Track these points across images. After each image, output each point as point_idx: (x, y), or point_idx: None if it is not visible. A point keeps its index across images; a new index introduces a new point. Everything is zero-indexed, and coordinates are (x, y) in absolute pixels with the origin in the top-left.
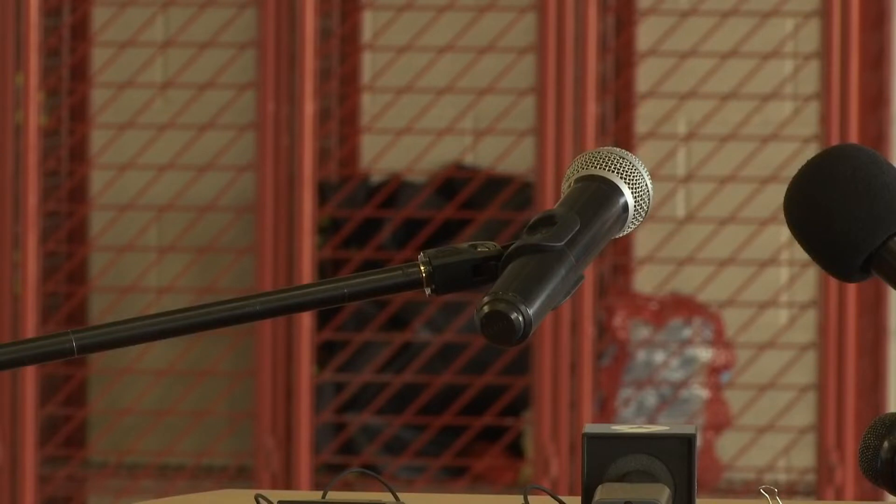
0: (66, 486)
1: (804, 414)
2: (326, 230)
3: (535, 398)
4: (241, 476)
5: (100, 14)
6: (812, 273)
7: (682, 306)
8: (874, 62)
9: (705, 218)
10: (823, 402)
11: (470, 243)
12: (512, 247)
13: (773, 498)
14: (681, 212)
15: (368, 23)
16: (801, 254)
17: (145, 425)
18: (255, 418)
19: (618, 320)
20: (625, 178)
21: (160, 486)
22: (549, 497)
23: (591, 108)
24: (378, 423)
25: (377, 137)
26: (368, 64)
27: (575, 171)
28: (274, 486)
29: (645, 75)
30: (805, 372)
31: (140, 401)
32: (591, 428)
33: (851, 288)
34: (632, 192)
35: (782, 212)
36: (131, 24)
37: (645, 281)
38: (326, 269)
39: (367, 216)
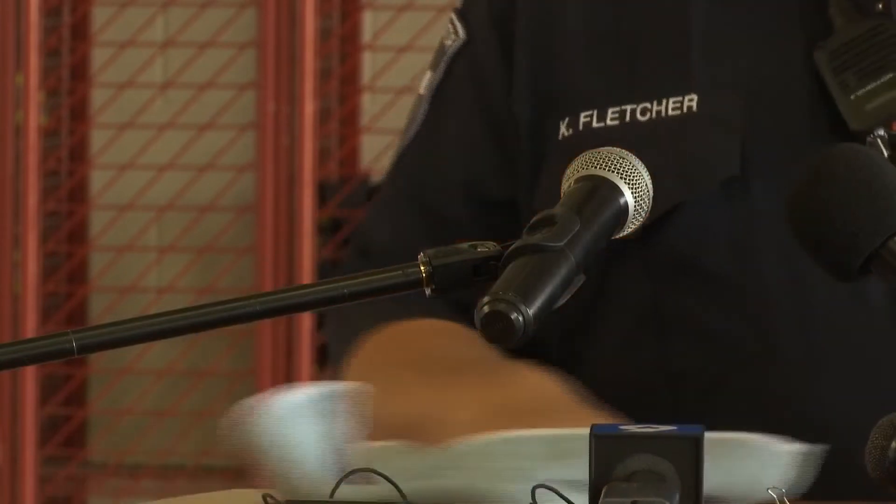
0: (66, 486)
1: None
2: (326, 230)
3: None
4: (241, 476)
5: (100, 14)
6: None
7: None
8: None
9: None
10: None
11: (470, 243)
12: (512, 247)
13: (780, 498)
14: None
15: (368, 23)
16: None
17: (145, 425)
18: None
19: None
20: (625, 178)
21: (160, 487)
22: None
23: None
24: None
25: (377, 137)
26: (368, 64)
27: (575, 171)
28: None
29: None
30: None
31: (140, 401)
32: (598, 427)
33: None
34: (632, 192)
35: None
36: (131, 24)
37: None
38: (326, 269)
39: None
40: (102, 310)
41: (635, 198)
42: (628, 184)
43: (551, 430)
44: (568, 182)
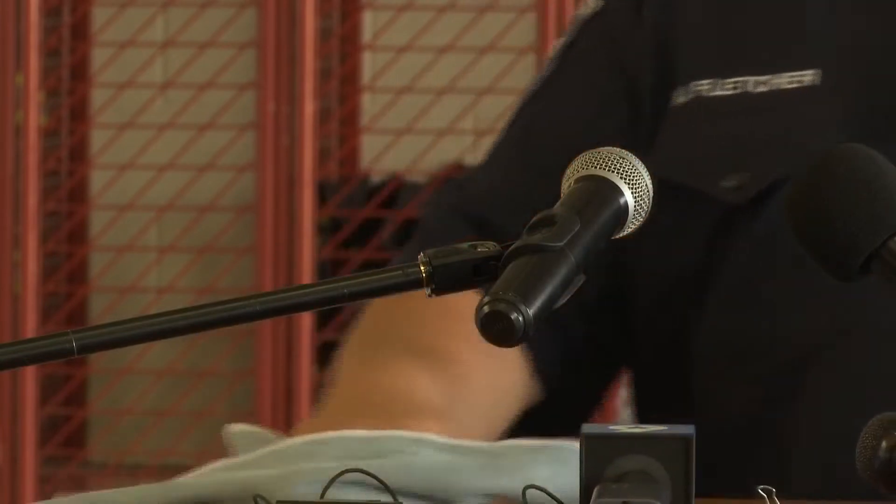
0: (66, 486)
1: None
2: (326, 230)
3: None
4: None
5: (100, 14)
6: None
7: None
8: None
9: None
10: None
11: (470, 243)
12: (512, 247)
13: (770, 498)
14: None
15: (368, 23)
16: None
17: (145, 425)
18: (255, 418)
19: None
20: (625, 178)
21: None
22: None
23: None
24: None
25: (377, 137)
26: (368, 64)
27: (575, 171)
28: None
29: None
30: None
31: (140, 401)
32: (589, 428)
33: None
34: (632, 192)
35: None
36: (131, 24)
37: None
38: (326, 269)
39: (367, 216)
40: (102, 310)
41: (635, 198)
42: (628, 184)
43: (355, 432)
44: (568, 182)
